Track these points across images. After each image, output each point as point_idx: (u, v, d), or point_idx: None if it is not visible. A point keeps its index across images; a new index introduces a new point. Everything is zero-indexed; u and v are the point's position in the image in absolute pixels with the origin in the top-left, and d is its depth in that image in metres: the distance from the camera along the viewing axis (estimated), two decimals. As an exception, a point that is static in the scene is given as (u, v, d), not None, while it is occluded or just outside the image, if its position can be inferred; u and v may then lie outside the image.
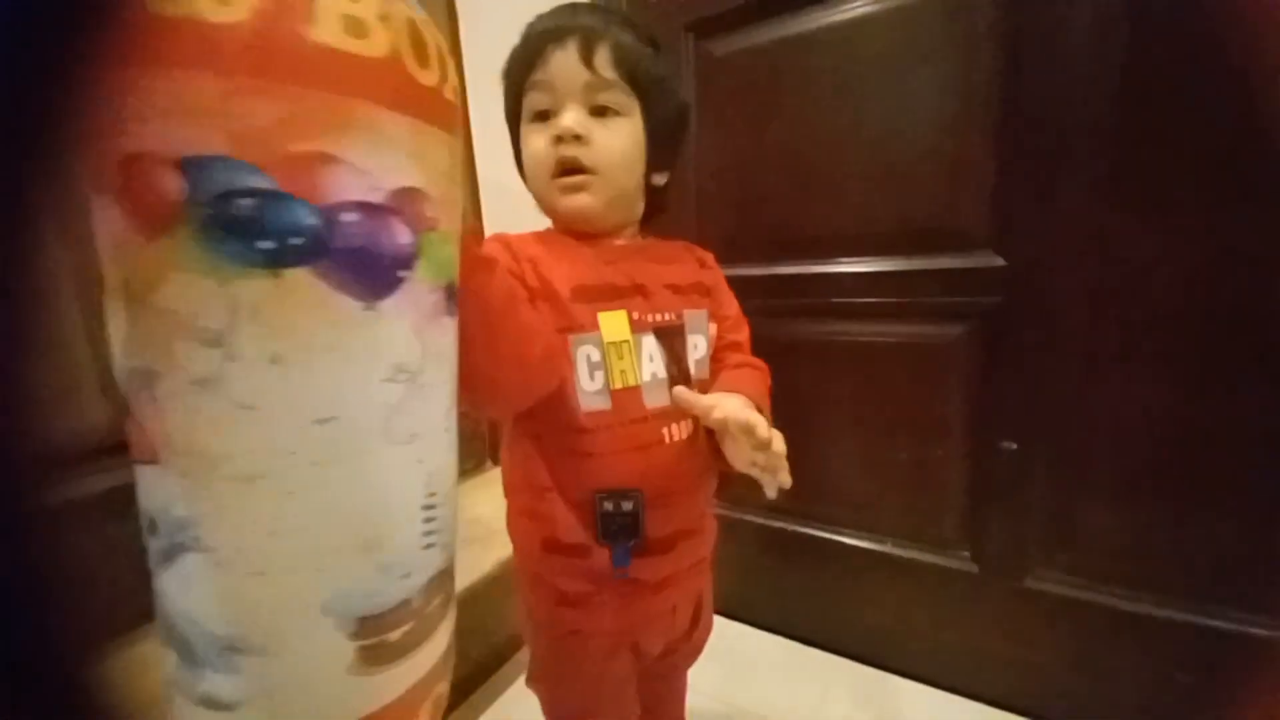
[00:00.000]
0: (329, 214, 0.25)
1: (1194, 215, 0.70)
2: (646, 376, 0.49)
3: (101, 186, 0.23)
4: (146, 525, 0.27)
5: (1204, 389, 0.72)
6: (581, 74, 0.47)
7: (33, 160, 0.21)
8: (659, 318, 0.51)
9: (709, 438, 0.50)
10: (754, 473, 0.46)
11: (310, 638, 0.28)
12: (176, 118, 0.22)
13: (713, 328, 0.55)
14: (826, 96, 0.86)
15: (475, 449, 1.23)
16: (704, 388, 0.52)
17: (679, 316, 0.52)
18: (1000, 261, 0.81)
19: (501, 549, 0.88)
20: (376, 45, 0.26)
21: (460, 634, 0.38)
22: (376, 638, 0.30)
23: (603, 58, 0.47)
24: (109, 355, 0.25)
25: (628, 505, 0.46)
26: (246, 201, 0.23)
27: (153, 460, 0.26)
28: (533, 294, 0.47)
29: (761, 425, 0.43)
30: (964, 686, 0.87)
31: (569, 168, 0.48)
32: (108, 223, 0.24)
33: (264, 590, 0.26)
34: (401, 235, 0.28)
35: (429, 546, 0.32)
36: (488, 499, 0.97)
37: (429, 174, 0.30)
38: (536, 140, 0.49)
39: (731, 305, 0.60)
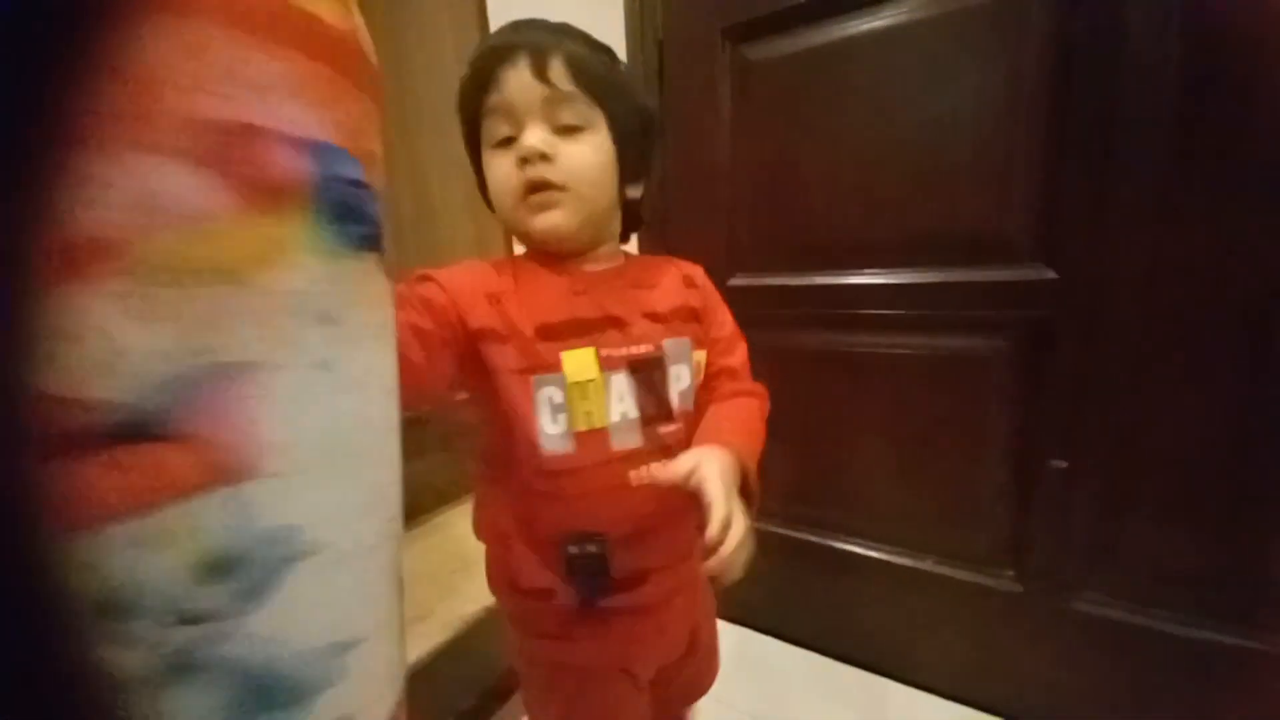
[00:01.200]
0: (383, 206, 0.27)
1: (1257, 225, 0.67)
2: (615, 417, 0.45)
3: (178, 150, 0.19)
4: (207, 571, 0.20)
5: (1260, 410, 0.69)
6: (538, 90, 0.44)
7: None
8: (635, 350, 0.47)
9: None
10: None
11: (391, 603, 0.27)
12: (299, 101, 0.22)
13: (700, 355, 0.51)
14: (866, 102, 0.84)
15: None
16: (690, 421, 0.49)
17: (658, 347, 0.48)
18: (1051, 274, 0.78)
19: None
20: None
21: (467, 663, 0.37)
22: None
23: (557, 70, 0.44)
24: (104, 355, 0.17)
25: (593, 549, 0.44)
26: (352, 189, 0.24)
27: (225, 481, 0.20)
28: (494, 335, 0.44)
29: (719, 509, 0.39)
30: (1003, 708, 0.85)
31: (537, 186, 0.45)
32: (183, 192, 0.19)
33: (366, 572, 0.25)
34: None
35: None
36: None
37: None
38: (501, 165, 0.46)
39: (725, 325, 0.55)
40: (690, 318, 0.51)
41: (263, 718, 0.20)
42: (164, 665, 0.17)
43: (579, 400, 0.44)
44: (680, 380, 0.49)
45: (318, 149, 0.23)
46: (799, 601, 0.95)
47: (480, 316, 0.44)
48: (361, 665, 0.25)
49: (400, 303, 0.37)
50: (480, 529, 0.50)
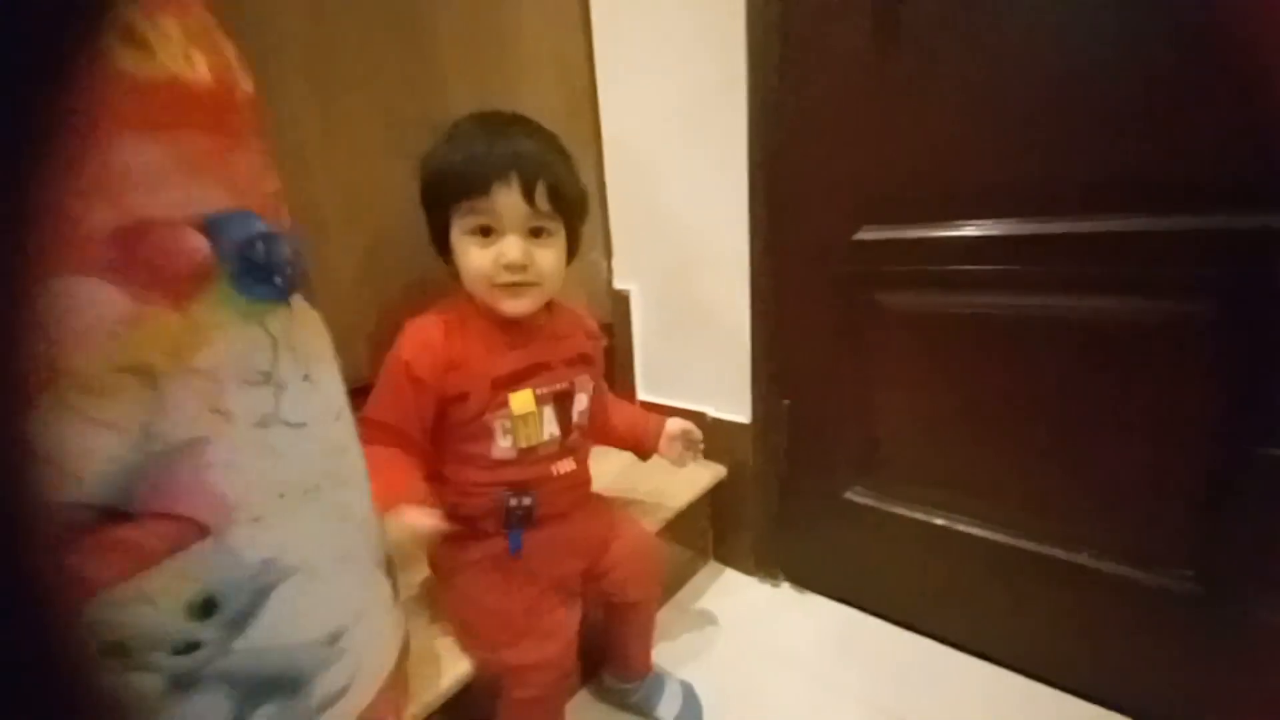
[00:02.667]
0: (293, 242, 0.28)
1: None
2: (546, 436, 0.63)
3: (86, 267, 0.20)
4: (196, 610, 0.24)
5: None
6: (524, 211, 0.56)
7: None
8: (558, 387, 0.64)
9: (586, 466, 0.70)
10: (683, 459, 0.77)
11: (373, 587, 0.33)
12: (185, 177, 0.23)
13: (591, 386, 0.68)
14: (1030, 26, 0.66)
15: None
16: (583, 431, 0.68)
17: (571, 384, 0.65)
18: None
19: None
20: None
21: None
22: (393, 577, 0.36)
23: (541, 195, 0.56)
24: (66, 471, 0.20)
25: (526, 501, 0.62)
26: (260, 245, 0.26)
27: (199, 536, 0.24)
28: (460, 396, 0.58)
29: (692, 428, 0.77)
30: (1161, 716, 0.71)
31: (514, 286, 0.58)
32: (100, 305, 0.20)
33: (344, 574, 0.31)
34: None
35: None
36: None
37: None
38: (478, 255, 0.57)
39: (601, 357, 0.74)
40: (588, 361, 0.69)
41: (270, 706, 0.25)
42: (169, 684, 0.22)
43: (522, 428, 0.61)
44: (580, 403, 0.66)
45: (215, 222, 0.24)
46: (929, 591, 0.85)
47: (453, 385, 0.58)
48: (354, 642, 0.30)
49: (391, 397, 0.57)
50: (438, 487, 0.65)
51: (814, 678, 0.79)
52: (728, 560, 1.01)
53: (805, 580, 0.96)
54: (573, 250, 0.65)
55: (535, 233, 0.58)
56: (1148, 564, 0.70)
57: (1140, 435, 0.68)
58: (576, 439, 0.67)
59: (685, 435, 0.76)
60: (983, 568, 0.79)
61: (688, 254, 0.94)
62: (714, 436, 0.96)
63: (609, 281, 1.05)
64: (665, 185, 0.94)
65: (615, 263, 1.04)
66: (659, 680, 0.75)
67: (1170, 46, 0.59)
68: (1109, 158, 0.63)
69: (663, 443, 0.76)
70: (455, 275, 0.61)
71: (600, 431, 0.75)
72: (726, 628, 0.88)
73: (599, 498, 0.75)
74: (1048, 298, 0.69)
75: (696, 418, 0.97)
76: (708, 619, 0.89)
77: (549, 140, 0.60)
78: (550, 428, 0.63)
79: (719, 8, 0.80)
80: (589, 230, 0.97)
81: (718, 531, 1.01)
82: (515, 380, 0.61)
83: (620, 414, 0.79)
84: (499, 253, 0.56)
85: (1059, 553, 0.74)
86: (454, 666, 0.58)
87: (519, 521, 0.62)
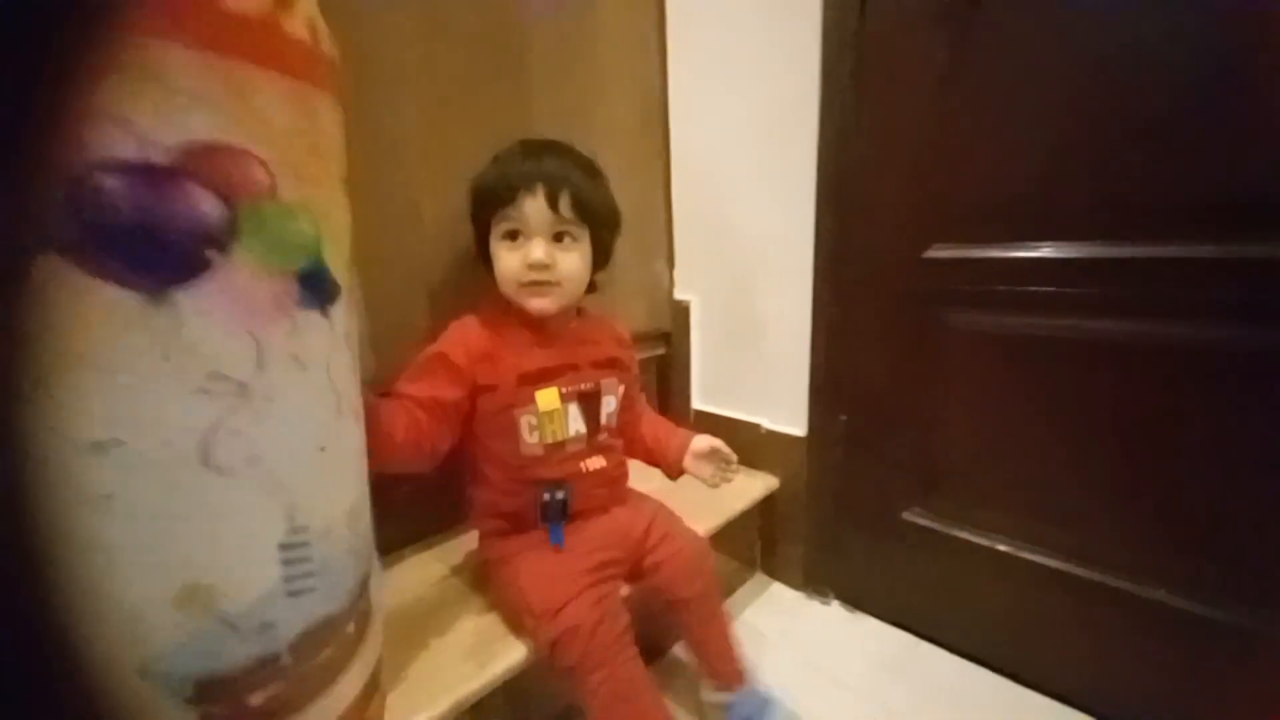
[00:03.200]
0: (79, 183, 0.20)
1: None
2: (571, 433, 0.67)
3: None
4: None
5: None
6: (548, 216, 0.61)
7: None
8: (584, 387, 0.68)
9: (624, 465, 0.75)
10: (715, 479, 0.73)
11: (138, 709, 0.23)
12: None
13: (620, 389, 0.72)
14: (1115, 43, 0.64)
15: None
16: (613, 431, 0.72)
17: (597, 385, 0.69)
18: None
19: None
20: None
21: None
22: (227, 702, 0.25)
23: (564, 203, 0.61)
24: None
25: (560, 495, 0.66)
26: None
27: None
28: (490, 387, 0.63)
29: (726, 449, 0.74)
30: None
31: (537, 283, 0.63)
32: None
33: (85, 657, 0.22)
34: (202, 204, 0.22)
35: (297, 594, 0.27)
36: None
37: (256, 129, 0.24)
38: (509, 258, 0.63)
39: (635, 368, 0.78)
40: (617, 365, 0.73)
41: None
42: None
43: (547, 423, 0.65)
44: (608, 407, 0.70)
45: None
46: (989, 619, 0.82)
47: (483, 375, 0.63)
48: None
49: (423, 375, 0.62)
50: (474, 511, 0.71)
51: (865, 699, 0.77)
52: (775, 573, 1.01)
53: (856, 599, 0.94)
54: (601, 259, 0.69)
55: (559, 237, 0.63)
56: (1230, 604, 0.66)
57: (1228, 468, 0.64)
58: (606, 439, 0.70)
59: (714, 453, 0.73)
60: (1048, 597, 0.77)
61: (750, 266, 0.96)
62: (768, 448, 0.96)
63: (670, 291, 1.07)
64: (731, 198, 0.96)
65: (677, 273, 1.07)
66: (762, 702, 0.71)
67: (1256, 72, 0.57)
68: (1191, 182, 0.62)
69: (689, 461, 0.74)
70: (494, 281, 0.66)
71: (628, 443, 0.76)
72: (773, 641, 0.87)
73: (639, 494, 0.76)
74: (1124, 322, 0.67)
75: (751, 429, 0.98)
76: (754, 631, 0.89)
77: (578, 160, 0.66)
78: (576, 425, 0.67)
79: (794, 28, 0.82)
80: (652, 239, 1.01)
81: (766, 543, 1.01)
82: (542, 378, 0.65)
83: (650, 427, 0.79)
84: (525, 253, 0.62)
85: (1133, 587, 0.71)
86: (507, 653, 0.61)
87: (555, 514, 0.66)
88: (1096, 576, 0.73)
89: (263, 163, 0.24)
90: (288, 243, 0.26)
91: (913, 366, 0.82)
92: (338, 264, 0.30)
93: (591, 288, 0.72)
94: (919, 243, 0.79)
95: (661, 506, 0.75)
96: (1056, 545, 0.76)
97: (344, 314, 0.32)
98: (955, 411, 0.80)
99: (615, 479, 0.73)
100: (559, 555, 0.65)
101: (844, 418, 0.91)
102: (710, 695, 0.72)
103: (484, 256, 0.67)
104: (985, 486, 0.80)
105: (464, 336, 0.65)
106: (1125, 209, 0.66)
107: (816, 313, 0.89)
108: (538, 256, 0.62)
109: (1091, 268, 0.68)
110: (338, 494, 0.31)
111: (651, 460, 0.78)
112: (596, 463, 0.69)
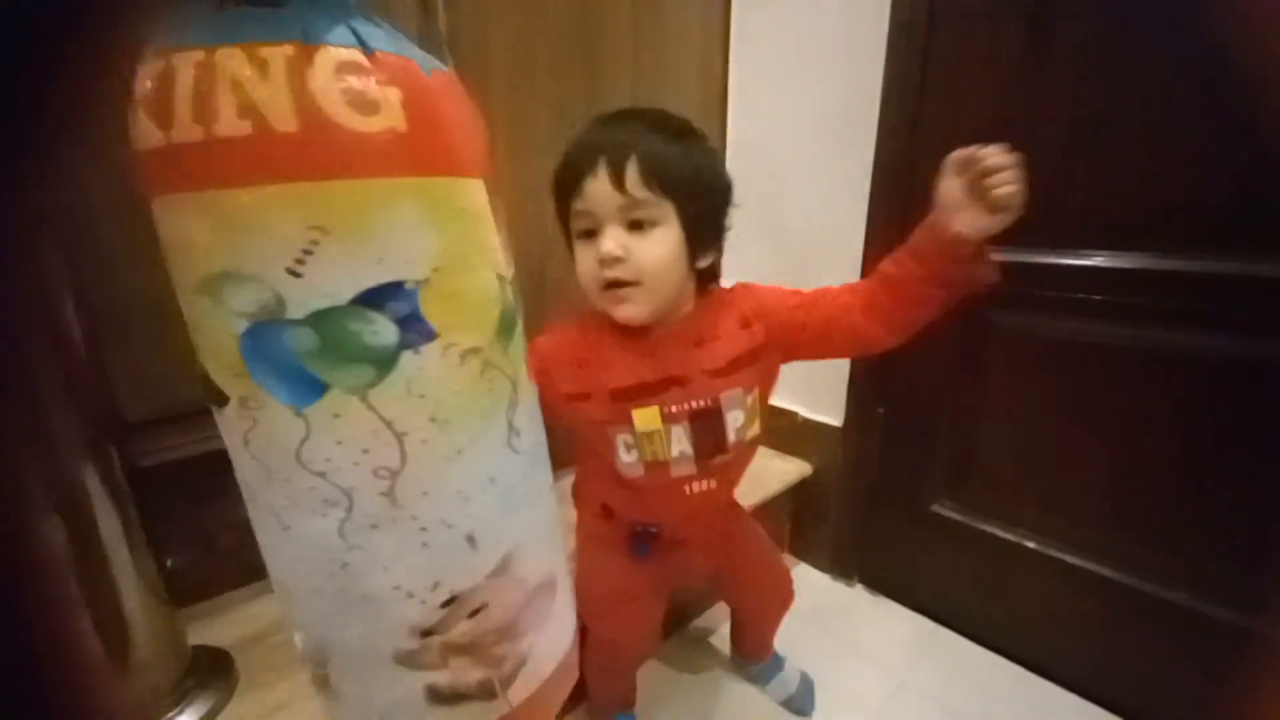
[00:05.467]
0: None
1: None
2: (675, 454, 0.56)
3: None
4: None
5: None
6: (614, 198, 0.49)
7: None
8: (695, 405, 0.55)
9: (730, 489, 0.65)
10: (993, 212, 0.48)
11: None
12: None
13: (752, 396, 0.58)
14: (1175, 42, 0.65)
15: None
16: (741, 450, 0.59)
17: (715, 400, 0.56)
18: None
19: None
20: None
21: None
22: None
23: (631, 178, 0.49)
24: None
25: (653, 529, 0.62)
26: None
27: None
28: (580, 395, 0.55)
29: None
30: None
31: (614, 284, 0.52)
32: None
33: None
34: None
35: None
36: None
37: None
38: (585, 259, 0.53)
39: (791, 299, 0.59)
40: (749, 360, 0.57)
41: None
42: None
43: (646, 444, 0.56)
44: (737, 421, 0.57)
45: None
46: (1012, 612, 0.86)
47: (569, 382, 0.56)
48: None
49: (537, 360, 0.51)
50: (579, 491, 0.69)
51: (889, 675, 0.82)
52: (803, 555, 1.05)
53: (881, 585, 0.98)
54: (698, 240, 0.53)
55: (635, 225, 0.50)
56: (1255, 611, 0.69)
57: (1258, 478, 0.67)
58: (727, 460, 0.58)
59: (967, 163, 0.48)
60: (1074, 595, 0.80)
61: (799, 258, 0.98)
62: (803, 435, 1.00)
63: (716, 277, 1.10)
64: (784, 190, 0.98)
65: (724, 261, 1.09)
66: (777, 662, 0.80)
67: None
68: (1246, 196, 0.63)
69: (945, 200, 0.51)
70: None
71: (883, 313, 0.54)
72: (799, 618, 0.91)
73: (732, 513, 0.71)
74: (1172, 333, 0.68)
75: (788, 416, 1.01)
76: (781, 607, 0.93)
77: (656, 120, 0.52)
78: (680, 446, 0.56)
79: (861, 23, 0.83)
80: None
81: (796, 526, 1.05)
82: (641, 394, 0.55)
83: (881, 273, 0.54)
84: (597, 249, 0.51)
85: (1157, 589, 0.74)
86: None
87: (643, 544, 0.63)
88: (1124, 579, 0.76)
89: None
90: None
91: (955, 362, 0.85)
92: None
93: (708, 277, 0.59)
94: (972, 244, 0.81)
95: (760, 545, 0.73)
96: (1086, 546, 0.79)
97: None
98: (994, 410, 0.83)
99: (720, 504, 0.66)
100: (635, 563, 0.63)
101: (881, 410, 0.93)
102: (737, 660, 0.81)
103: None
104: (1018, 485, 0.83)
105: (558, 339, 0.58)
106: (1185, 221, 0.67)
107: (862, 307, 0.91)
108: (606, 249, 0.50)
109: (1145, 279, 0.70)
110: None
111: (926, 286, 0.52)
112: (703, 485, 0.59)
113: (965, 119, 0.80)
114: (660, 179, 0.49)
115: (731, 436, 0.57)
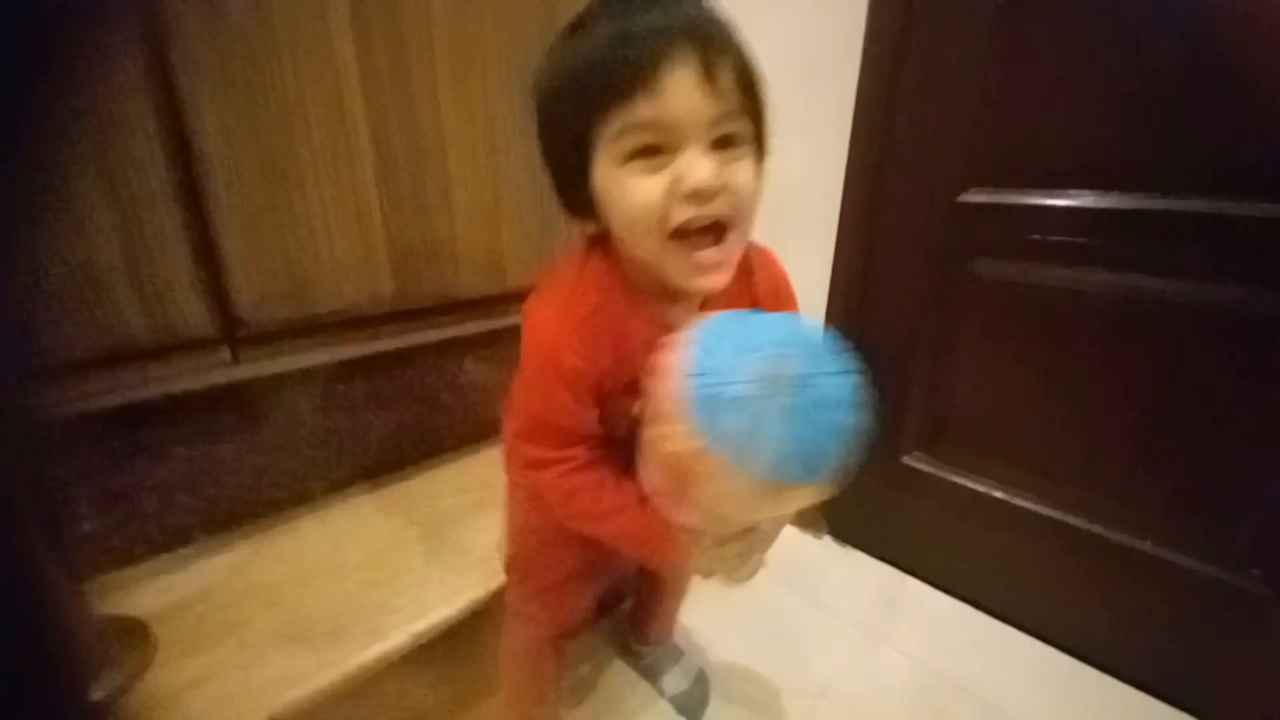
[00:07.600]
0: None
1: None
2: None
3: None
4: None
5: None
6: (706, 106, 0.34)
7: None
8: None
9: None
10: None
11: None
12: None
13: None
14: None
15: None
16: None
17: None
18: None
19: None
20: None
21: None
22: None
23: (728, 79, 0.35)
24: None
25: None
26: None
27: None
28: (609, 393, 0.43)
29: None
30: (1211, 712, 0.70)
31: (705, 230, 0.37)
32: None
33: None
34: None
35: None
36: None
37: None
38: (645, 189, 0.36)
39: (789, 308, 0.50)
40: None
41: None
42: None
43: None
44: None
45: None
46: (980, 562, 0.85)
47: (606, 384, 0.43)
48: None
49: (567, 385, 0.41)
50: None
51: (858, 628, 0.81)
52: (773, 512, 1.03)
53: (849, 536, 0.98)
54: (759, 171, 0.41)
55: (723, 143, 0.36)
56: (1214, 560, 0.69)
57: (1228, 432, 0.66)
58: None
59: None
60: (1041, 545, 0.80)
61: (771, 207, 0.93)
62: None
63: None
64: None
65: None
66: (673, 653, 0.74)
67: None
68: (1238, 139, 0.60)
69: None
70: (594, 240, 0.43)
71: None
72: (766, 571, 0.90)
73: None
74: (1151, 279, 0.66)
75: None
76: (751, 563, 0.92)
77: (708, 6, 0.38)
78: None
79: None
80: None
81: (766, 483, 1.03)
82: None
83: None
84: (676, 177, 0.35)
85: (1124, 538, 0.74)
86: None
87: None
88: (1094, 528, 0.76)
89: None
90: None
91: (933, 313, 0.82)
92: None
93: None
94: (956, 186, 0.77)
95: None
96: (1054, 497, 0.78)
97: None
98: (970, 362, 0.81)
99: None
100: (584, 545, 0.52)
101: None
102: (632, 644, 0.76)
103: (572, 201, 0.41)
104: (991, 437, 0.82)
105: (567, 352, 0.41)
106: (1174, 162, 0.64)
107: (839, 257, 0.87)
108: (703, 177, 0.35)
109: (1128, 220, 0.67)
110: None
111: None
112: None
113: (953, 52, 0.75)
114: (754, 90, 0.37)
115: None
